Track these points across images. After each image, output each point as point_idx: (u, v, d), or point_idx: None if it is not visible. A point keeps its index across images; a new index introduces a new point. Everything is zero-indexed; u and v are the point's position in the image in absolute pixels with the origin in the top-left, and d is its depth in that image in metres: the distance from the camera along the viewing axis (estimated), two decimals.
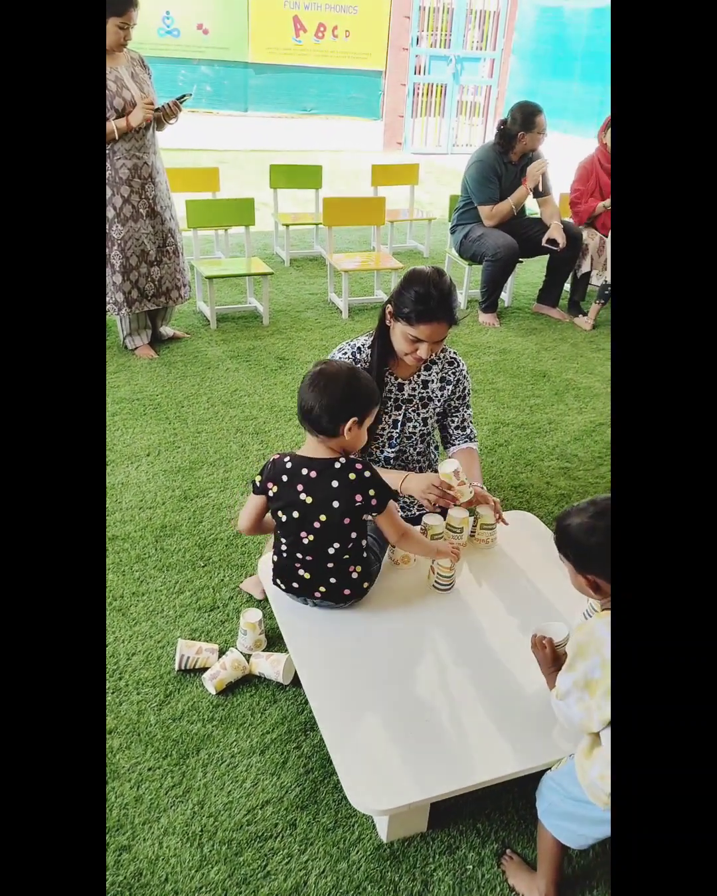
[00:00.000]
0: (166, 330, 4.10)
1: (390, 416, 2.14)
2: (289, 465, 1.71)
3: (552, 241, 4.32)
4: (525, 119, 4.19)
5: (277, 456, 1.74)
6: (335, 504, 1.67)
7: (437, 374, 2.16)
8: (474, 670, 1.68)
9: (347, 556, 1.74)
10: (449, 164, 10.03)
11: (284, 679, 1.94)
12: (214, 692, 1.92)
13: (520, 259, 4.56)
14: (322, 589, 1.78)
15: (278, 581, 1.84)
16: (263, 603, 2.21)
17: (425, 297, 1.90)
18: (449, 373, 2.18)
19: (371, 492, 1.68)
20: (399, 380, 2.13)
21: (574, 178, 4.63)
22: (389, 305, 2.00)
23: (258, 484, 1.75)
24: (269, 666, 1.95)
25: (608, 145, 4.44)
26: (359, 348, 2.09)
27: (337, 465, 1.67)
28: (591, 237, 4.58)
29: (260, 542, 2.53)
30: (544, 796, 1.42)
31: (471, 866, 1.57)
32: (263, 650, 2.05)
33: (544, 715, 1.55)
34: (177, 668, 1.98)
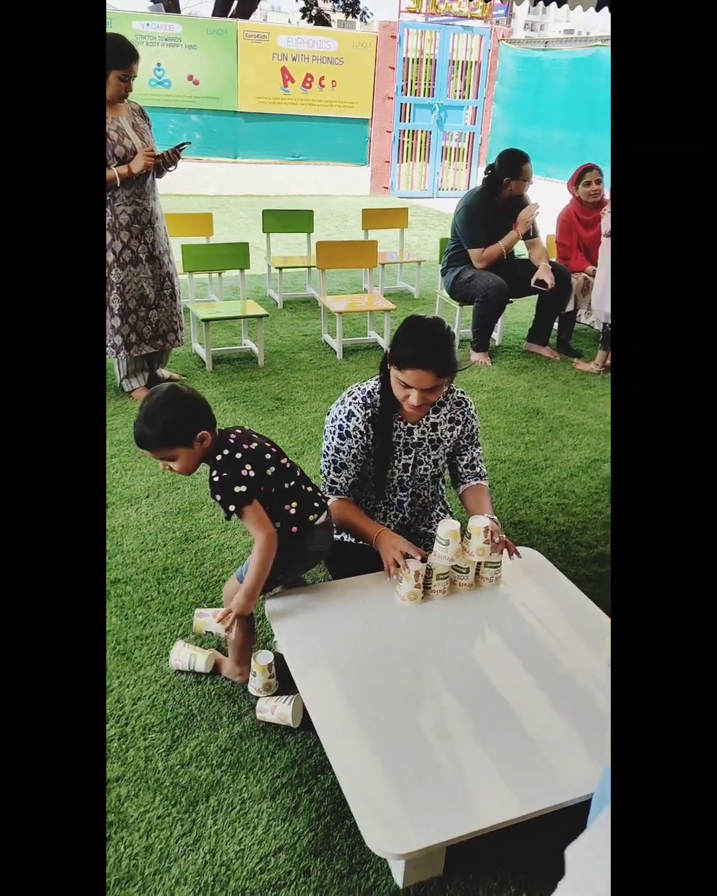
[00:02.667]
0: (163, 372, 4.13)
1: (400, 461, 2.16)
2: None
3: (541, 283, 4.41)
4: (512, 166, 4.33)
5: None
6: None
7: (446, 415, 2.19)
8: (488, 709, 1.67)
9: None
10: (435, 208, 10.25)
11: (294, 722, 1.92)
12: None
13: (510, 299, 4.65)
14: None
15: None
16: (272, 645, 2.20)
17: (415, 342, 1.92)
18: (458, 413, 2.20)
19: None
20: (408, 424, 2.14)
21: (556, 231, 4.79)
22: (388, 350, 2.03)
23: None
24: (275, 718, 1.93)
25: (580, 198, 4.62)
26: (369, 393, 2.11)
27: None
28: (575, 278, 4.69)
29: None
30: None
31: None
32: (272, 694, 2.03)
33: (561, 753, 1.55)
34: (173, 666, 2.11)
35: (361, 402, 2.10)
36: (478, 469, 2.28)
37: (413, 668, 1.79)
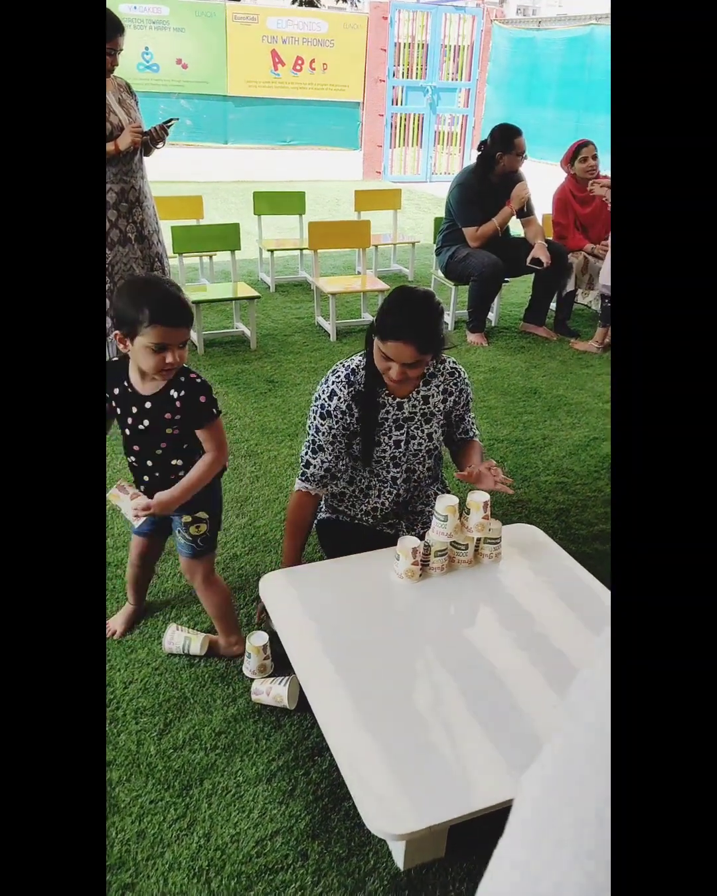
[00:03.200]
0: None
1: (391, 437, 2.09)
2: None
3: (537, 261, 4.34)
4: (504, 140, 4.24)
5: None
6: None
7: (438, 386, 2.12)
8: (487, 688, 1.62)
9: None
10: (429, 191, 10.15)
11: (290, 703, 1.87)
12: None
13: (506, 278, 4.59)
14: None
15: None
16: (266, 626, 2.15)
17: (399, 313, 1.86)
18: (451, 384, 2.14)
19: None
20: (398, 399, 2.08)
21: (553, 210, 4.70)
22: (374, 320, 1.96)
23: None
24: (270, 700, 1.88)
25: (575, 175, 4.53)
26: (353, 370, 2.04)
27: None
28: (575, 256, 4.62)
29: (257, 564, 2.47)
30: None
31: None
32: (267, 675, 1.98)
33: None
34: (166, 649, 2.07)
35: (344, 380, 2.03)
36: (471, 433, 2.23)
37: (411, 647, 1.74)
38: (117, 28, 3.14)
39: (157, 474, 1.88)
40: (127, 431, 1.85)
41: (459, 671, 1.67)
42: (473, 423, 2.24)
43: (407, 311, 1.86)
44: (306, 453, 2.08)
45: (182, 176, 9.27)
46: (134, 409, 1.80)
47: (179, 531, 1.95)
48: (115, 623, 2.15)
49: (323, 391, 2.04)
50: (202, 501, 1.88)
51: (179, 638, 2.05)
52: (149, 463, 1.87)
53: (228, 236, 4.50)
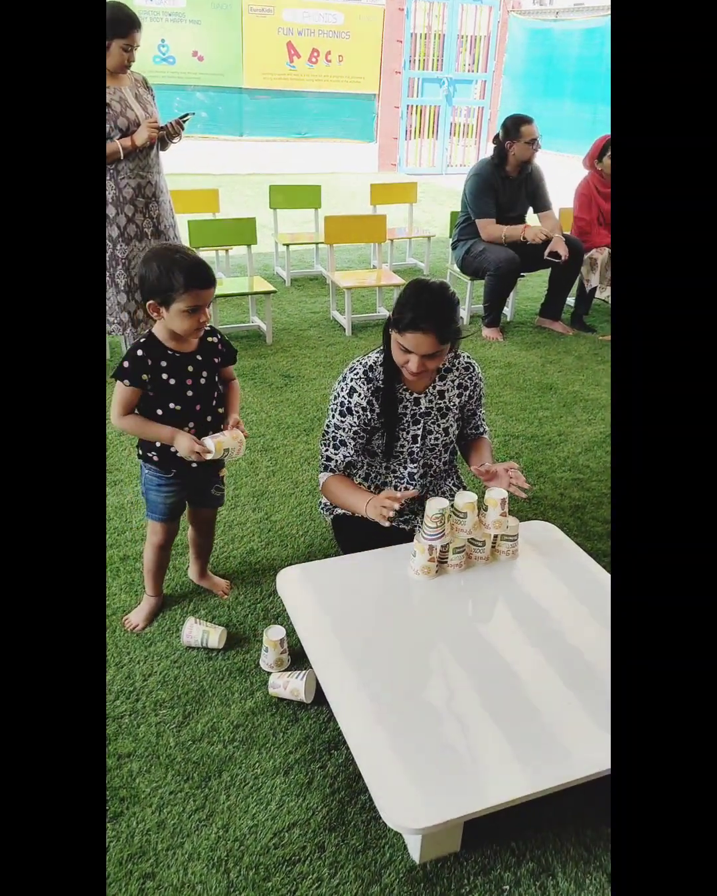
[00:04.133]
0: None
1: (409, 432, 2.10)
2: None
3: (554, 254, 4.32)
4: (512, 129, 4.24)
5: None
6: None
7: (453, 381, 2.13)
8: (505, 684, 1.63)
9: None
10: (444, 184, 10.11)
11: (307, 697, 1.89)
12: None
13: (522, 273, 4.57)
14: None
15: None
16: (283, 619, 2.17)
17: (417, 305, 1.86)
18: (466, 378, 2.15)
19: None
20: (415, 394, 2.09)
21: (575, 205, 4.64)
22: (391, 315, 1.97)
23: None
24: (287, 694, 1.91)
25: (601, 171, 4.48)
26: (371, 366, 2.05)
27: None
28: (600, 252, 4.58)
29: (273, 559, 2.49)
30: None
31: (507, 887, 1.51)
32: (284, 669, 2.00)
33: (576, 729, 1.51)
34: (184, 643, 2.10)
35: (362, 376, 2.04)
36: (481, 428, 2.27)
37: (427, 642, 1.75)
38: (134, 24, 3.16)
39: (212, 430, 1.98)
40: (189, 393, 1.93)
41: (474, 667, 1.68)
42: (483, 419, 2.27)
43: (425, 302, 1.86)
44: (327, 449, 2.09)
45: (198, 168, 9.27)
46: (190, 368, 1.92)
47: (213, 487, 2.15)
48: (138, 617, 2.18)
49: (342, 388, 2.05)
50: None
51: (198, 631, 2.07)
52: (208, 418, 1.99)
53: (244, 231, 4.51)
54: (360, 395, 2.02)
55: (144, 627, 2.16)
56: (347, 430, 2.05)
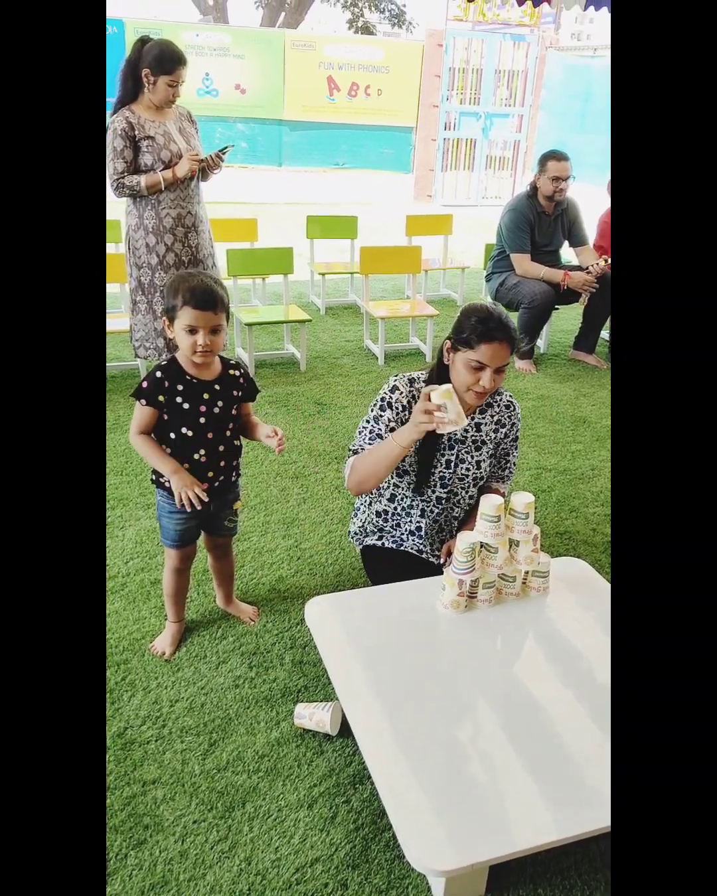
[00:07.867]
0: None
1: (443, 456, 2.12)
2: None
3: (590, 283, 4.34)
4: (541, 163, 4.32)
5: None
6: None
7: (492, 416, 2.14)
8: (534, 723, 1.61)
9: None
10: (479, 216, 10.18)
11: (332, 729, 1.88)
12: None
13: (556, 306, 4.58)
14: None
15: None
16: (310, 649, 2.17)
17: (485, 319, 1.90)
18: (505, 416, 2.16)
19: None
20: None
21: (597, 233, 4.67)
22: (448, 340, 1.99)
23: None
24: (313, 725, 1.89)
25: None
26: (412, 380, 2.08)
27: None
28: None
29: (302, 587, 2.49)
30: None
31: None
32: (308, 700, 1.99)
33: (607, 772, 1.48)
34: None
35: (406, 380, 2.08)
36: (505, 472, 2.27)
37: (456, 678, 1.74)
38: (180, 61, 3.26)
39: (225, 461, 2.03)
40: (202, 420, 1.95)
41: (503, 704, 1.66)
42: (512, 466, 2.27)
43: (493, 317, 1.91)
44: (361, 441, 2.09)
45: (237, 196, 9.46)
46: (205, 396, 1.95)
47: (226, 519, 2.16)
48: (163, 644, 2.19)
49: (385, 387, 2.09)
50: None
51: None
52: (220, 447, 2.00)
53: (281, 260, 4.58)
54: (401, 392, 2.05)
55: (171, 654, 2.17)
56: (385, 424, 2.05)
